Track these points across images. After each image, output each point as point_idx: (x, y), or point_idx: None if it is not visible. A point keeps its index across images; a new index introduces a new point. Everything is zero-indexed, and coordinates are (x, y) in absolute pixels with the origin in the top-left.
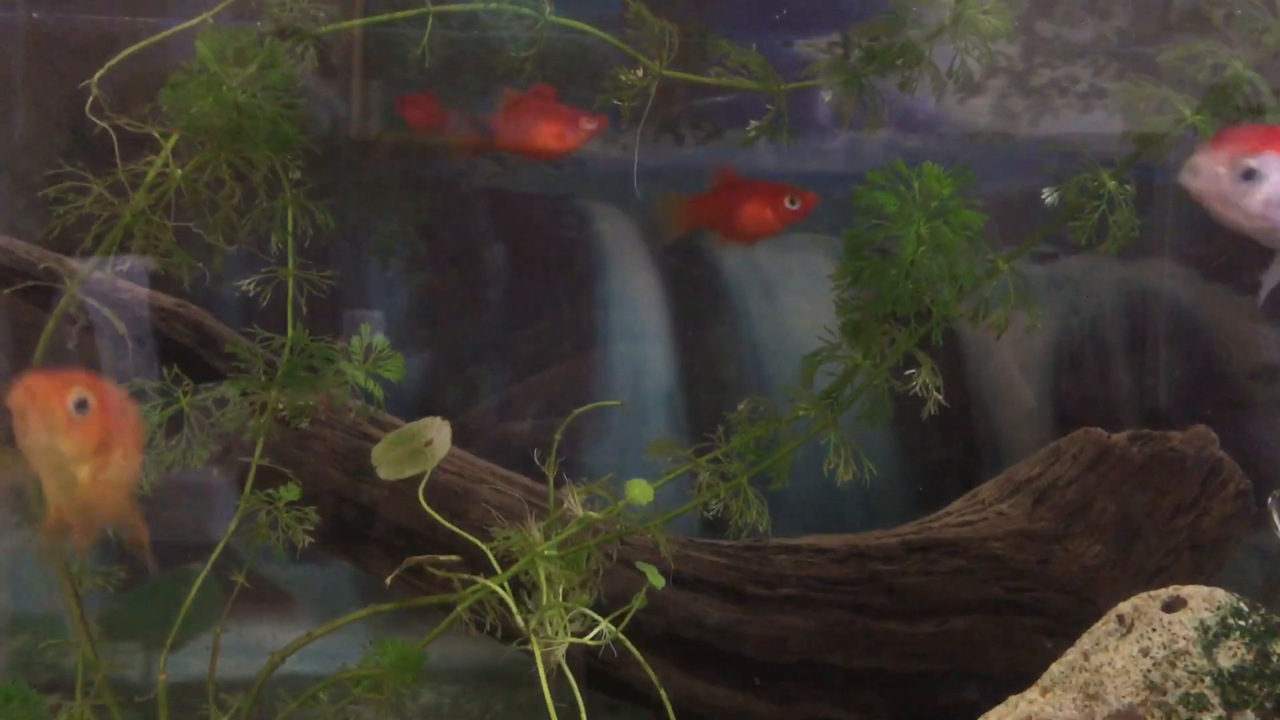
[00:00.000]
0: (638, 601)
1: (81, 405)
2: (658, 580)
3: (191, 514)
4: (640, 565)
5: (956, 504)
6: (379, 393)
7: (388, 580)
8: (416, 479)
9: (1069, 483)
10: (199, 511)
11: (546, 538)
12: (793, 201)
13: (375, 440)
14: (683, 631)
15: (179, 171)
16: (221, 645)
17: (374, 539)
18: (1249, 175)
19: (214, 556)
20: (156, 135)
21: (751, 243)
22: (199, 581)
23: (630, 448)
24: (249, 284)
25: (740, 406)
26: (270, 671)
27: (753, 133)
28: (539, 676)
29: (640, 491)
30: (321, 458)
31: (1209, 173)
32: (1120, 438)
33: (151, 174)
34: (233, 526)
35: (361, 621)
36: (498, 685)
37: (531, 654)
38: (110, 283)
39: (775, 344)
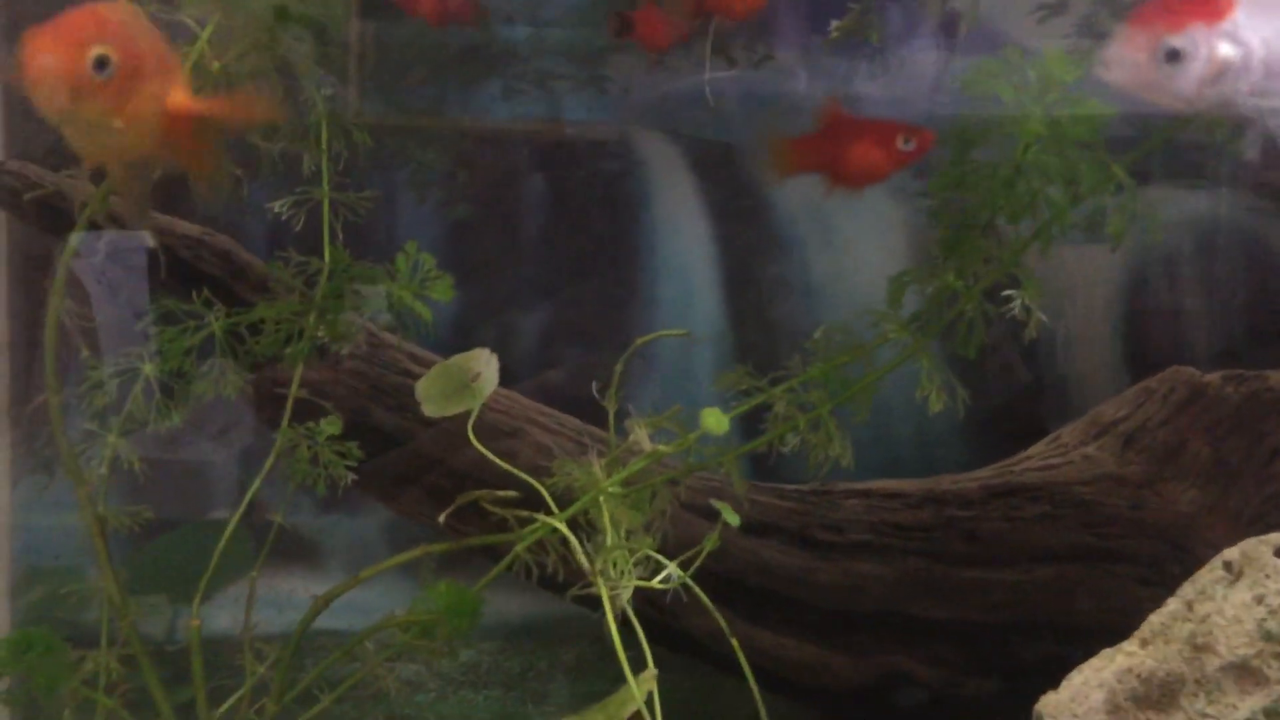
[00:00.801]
0: (710, 542)
1: (102, 64)
2: (733, 518)
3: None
4: (715, 503)
5: (1037, 447)
6: (427, 315)
7: (441, 518)
8: (462, 417)
9: (1160, 424)
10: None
11: (608, 475)
12: (907, 141)
13: (416, 377)
14: (748, 578)
15: (217, 64)
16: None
17: (416, 480)
18: (1173, 57)
19: (247, 499)
20: (191, 23)
21: (860, 188)
22: (231, 527)
23: (676, 391)
24: (282, 205)
25: (817, 333)
26: (313, 616)
27: (835, 33)
28: (606, 622)
29: (716, 421)
30: (360, 393)
31: (1127, 62)
32: (1214, 377)
33: (188, 64)
34: (269, 462)
35: (391, 575)
36: (539, 641)
37: (586, 603)
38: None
39: (831, 284)
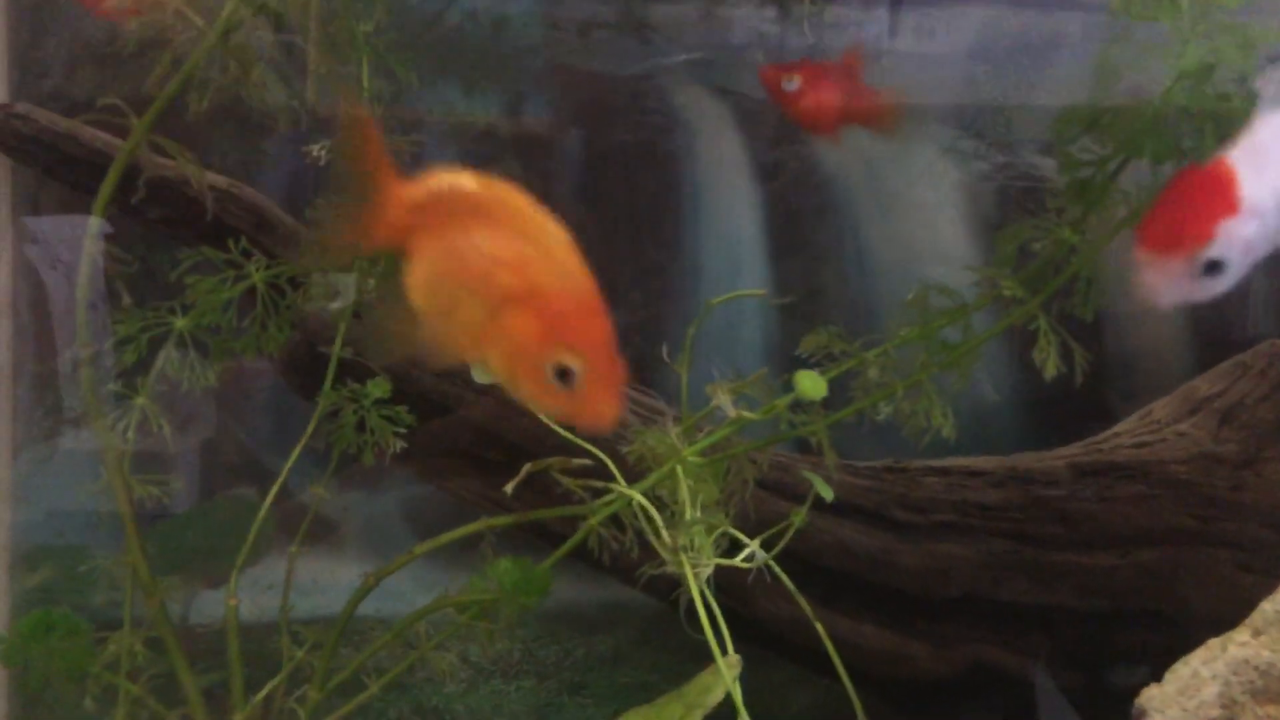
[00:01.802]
0: (798, 517)
1: None
2: (826, 491)
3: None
4: (806, 473)
5: (1127, 423)
6: None
7: (509, 487)
8: None
9: (1259, 400)
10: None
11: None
12: (789, 81)
13: None
14: (825, 560)
15: None
16: (262, 582)
17: (463, 452)
18: (1215, 268)
19: (284, 472)
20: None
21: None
22: (266, 505)
23: (722, 364)
24: (319, 149)
25: (912, 294)
26: (363, 596)
27: None
28: (689, 599)
29: (812, 384)
30: (406, 357)
31: (1168, 290)
32: None
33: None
34: (310, 428)
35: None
36: (574, 629)
37: (653, 587)
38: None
39: (886, 252)
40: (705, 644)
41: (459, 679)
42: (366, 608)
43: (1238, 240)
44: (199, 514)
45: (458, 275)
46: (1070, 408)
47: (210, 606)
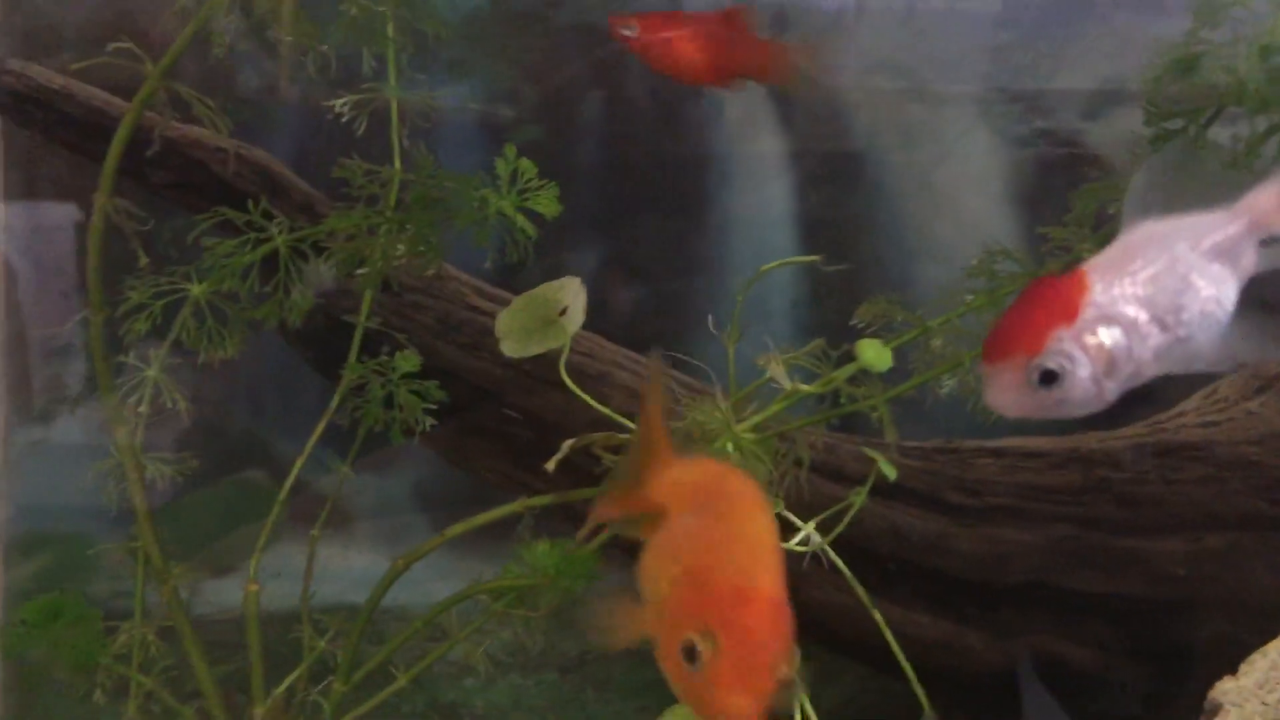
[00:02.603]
0: (859, 497)
1: None
2: (890, 470)
3: None
4: (868, 450)
5: (1192, 401)
6: (531, 230)
7: (550, 464)
8: (544, 358)
9: None
10: None
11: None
12: (627, 27)
13: (484, 314)
14: (878, 545)
15: None
16: (270, 570)
17: (489, 429)
18: (1049, 379)
19: (305, 453)
20: None
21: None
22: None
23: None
24: (342, 104)
25: (975, 260)
26: (391, 580)
27: None
28: None
29: (876, 354)
30: (426, 329)
31: (1009, 402)
32: None
33: None
34: (335, 402)
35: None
36: None
37: None
38: None
39: (919, 226)
40: None
41: (478, 673)
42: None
43: (1080, 350)
44: (203, 499)
45: (661, 549)
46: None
47: (216, 595)
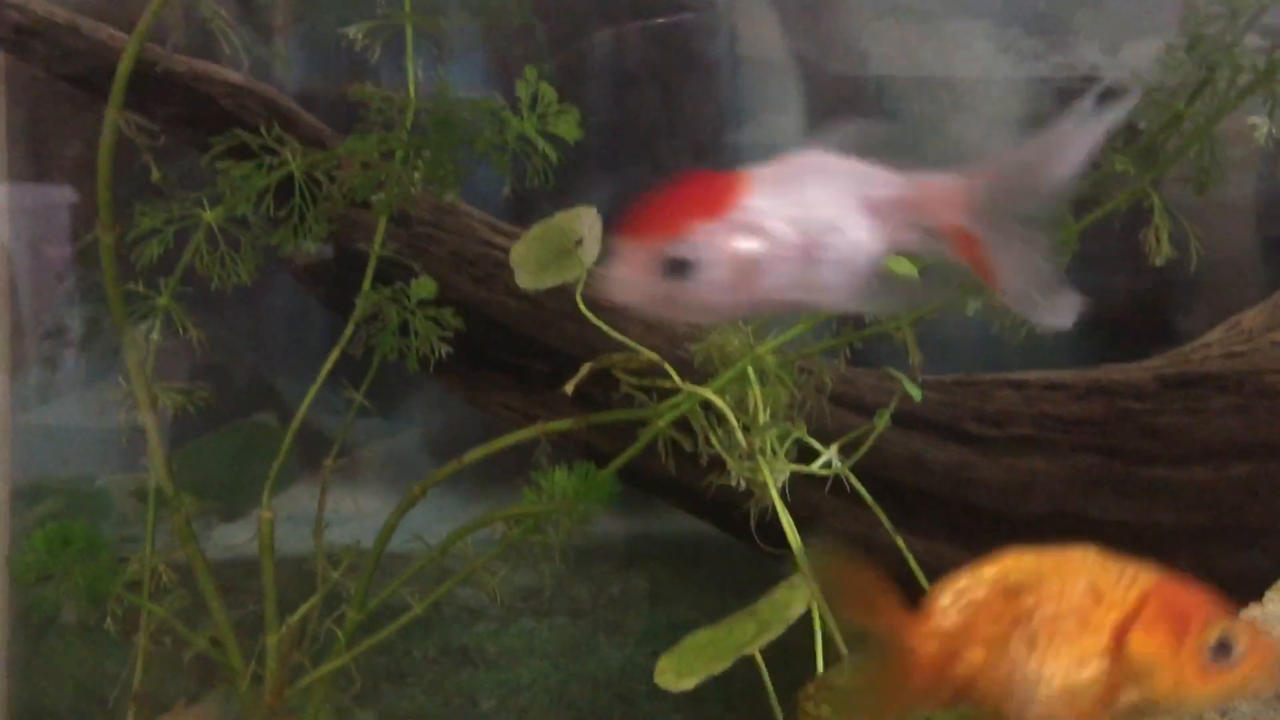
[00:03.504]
0: (881, 420)
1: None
2: (915, 391)
3: None
4: (890, 371)
5: (1214, 333)
6: (553, 154)
7: (568, 386)
8: (558, 291)
9: None
10: None
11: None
12: None
13: (497, 248)
14: (899, 475)
15: None
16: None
17: (504, 363)
18: (677, 269)
19: (310, 395)
20: None
21: None
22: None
23: None
24: (357, 30)
25: None
26: (409, 506)
27: None
28: (773, 504)
29: (906, 270)
30: (440, 261)
31: (630, 283)
32: None
33: None
34: (349, 330)
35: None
36: (610, 565)
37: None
38: None
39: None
40: (748, 580)
41: (490, 617)
42: (391, 544)
43: (717, 249)
44: (214, 442)
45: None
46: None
47: (227, 539)
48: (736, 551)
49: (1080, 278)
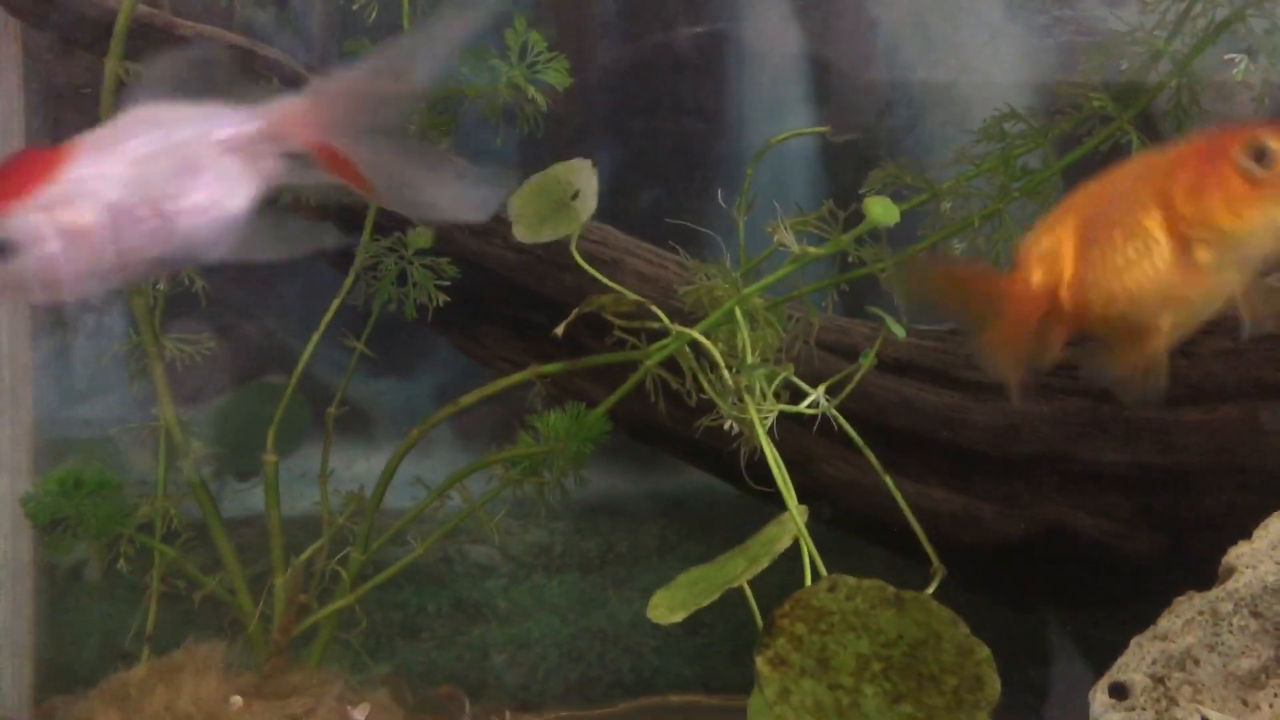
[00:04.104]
0: (867, 359)
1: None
2: (898, 329)
3: None
4: (874, 310)
5: None
6: (543, 101)
7: (559, 329)
8: (556, 244)
9: None
10: None
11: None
12: None
13: None
14: (890, 419)
15: None
16: (295, 471)
17: (502, 316)
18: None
19: (305, 355)
20: None
21: None
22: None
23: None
24: None
25: (986, 121)
26: (408, 448)
27: None
28: (759, 442)
29: (884, 211)
30: None
31: None
32: None
33: None
34: (349, 280)
35: (449, 450)
36: (617, 521)
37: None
38: None
39: (935, 95)
40: (770, 515)
41: (500, 573)
42: (396, 499)
43: (35, 227)
44: (227, 403)
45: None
46: None
47: (240, 499)
48: (745, 507)
49: None
